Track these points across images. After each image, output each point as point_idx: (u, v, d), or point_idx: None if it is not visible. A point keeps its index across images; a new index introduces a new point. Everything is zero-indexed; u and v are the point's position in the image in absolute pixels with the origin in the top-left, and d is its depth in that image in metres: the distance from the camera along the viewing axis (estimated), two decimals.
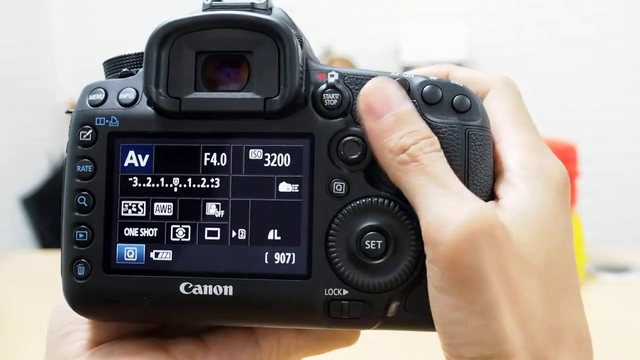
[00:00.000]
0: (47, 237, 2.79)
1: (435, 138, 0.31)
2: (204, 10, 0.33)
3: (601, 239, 1.60)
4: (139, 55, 0.34)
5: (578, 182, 1.28)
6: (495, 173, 0.32)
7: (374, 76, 0.32)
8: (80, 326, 0.34)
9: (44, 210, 2.78)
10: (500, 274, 0.28)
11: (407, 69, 2.16)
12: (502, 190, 0.31)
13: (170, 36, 0.32)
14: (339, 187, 0.32)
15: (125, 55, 0.35)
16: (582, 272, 1.24)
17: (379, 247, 0.31)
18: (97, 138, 0.33)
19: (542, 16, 2.59)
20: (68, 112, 0.34)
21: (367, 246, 0.31)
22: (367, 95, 0.31)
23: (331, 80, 0.32)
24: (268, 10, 0.33)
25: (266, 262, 0.32)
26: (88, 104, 0.33)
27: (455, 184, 0.30)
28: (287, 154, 0.32)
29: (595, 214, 1.72)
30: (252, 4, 0.33)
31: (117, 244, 0.33)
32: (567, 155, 1.27)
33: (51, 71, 2.91)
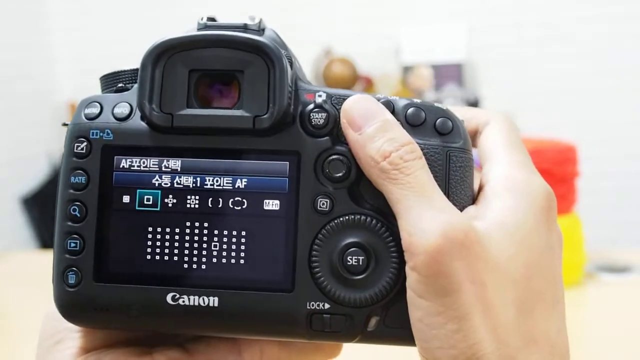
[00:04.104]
0: (47, 237, 2.79)
1: (416, 145, 0.32)
2: (198, 29, 0.34)
3: (601, 239, 1.60)
4: (134, 71, 0.35)
5: (578, 182, 1.29)
6: (482, 184, 0.34)
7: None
8: (71, 334, 0.35)
9: (44, 210, 2.78)
10: (474, 281, 0.30)
11: (407, 69, 2.16)
12: (486, 200, 0.33)
13: (165, 54, 0.33)
14: (323, 204, 0.33)
15: (121, 71, 0.36)
16: (582, 272, 1.24)
17: (361, 263, 0.32)
18: (91, 150, 0.34)
19: (542, 16, 2.59)
20: (64, 124, 0.35)
21: (349, 262, 0.32)
22: (347, 109, 0.33)
23: (319, 100, 0.33)
24: (260, 31, 0.34)
25: (251, 275, 0.33)
26: (84, 117, 0.34)
27: (435, 194, 0.31)
28: (275, 170, 0.33)
29: (595, 214, 1.72)
30: (245, 25, 0.34)
31: (109, 256, 0.34)
32: (567, 155, 1.27)
33: (51, 71, 2.91)
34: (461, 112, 0.37)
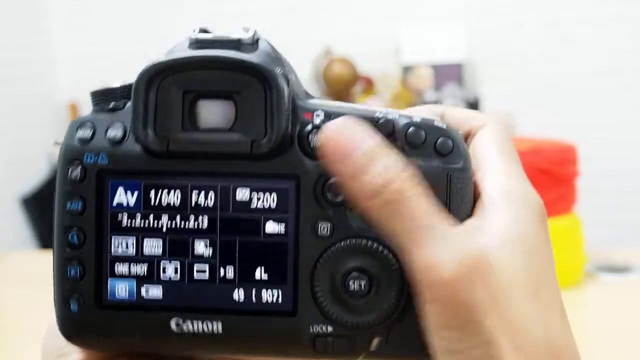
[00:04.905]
0: (47, 237, 2.79)
1: (411, 170, 0.31)
2: (190, 44, 0.33)
3: (601, 239, 1.60)
4: (125, 88, 0.34)
5: (578, 182, 1.29)
6: (476, 196, 0.33)
7: (360, 114, 0.32)
8: (75, 348, 0.35)
9: (44, 211, 2.78)
10: (494, 304, 0.29)
11: (407, 69, 2.16)
12: (485, 211, 0.32)
13: (158, 76, 0.32)
14: (324, 228, 0.32)
15: (112, 89, 0.34)
16: (582, 272, 1.25)
17: (363, 287, 0.32)
18: (87, 175, 0.33)
19: (542, 16, 2.60)
20: (57, 143, 0.34)
21: (351, 287, 0.32)
22: (329, 138, 0.31)
23: (317, 120, 0.32)
24: (255, 44, 0.33)
25: (254, 299, 0.33)
26: (76, 140, 0.33)
27: (438, 223, 0.30)
28: (274, 194, 0.33)
29: (595, 214, 1.72)
30: (239, 40, 0.33)
31: (109, 280, 0.33)
32: (567, 155, 1.27)
33: (51, 71, 2.91)
34: (457, 113, 0.36)
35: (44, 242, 2.78)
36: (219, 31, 0.33)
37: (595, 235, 1.43)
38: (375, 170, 0.30)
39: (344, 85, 2.54)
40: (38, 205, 2.77)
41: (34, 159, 2.78)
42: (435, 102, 2.45)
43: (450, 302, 0.29)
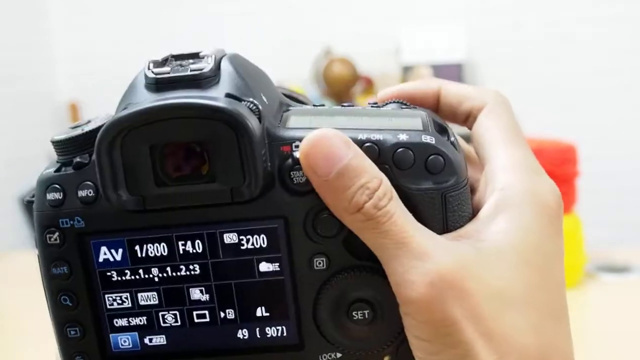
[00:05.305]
0: None
1: (387, 184, 0.30)
2: (147, 85, 0.31)
3: (601, 239, 1.60)
4: (87, 135, 0.32)
5: (578, 182, 1.28)
6: (487, 195, 0.32)
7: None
8: None
9: None
10: (471, 317, 0.29)
11: (407, 69, 2.15)
12: (488, 216, 0.31)
13: (119, 135, 0.30)
14: (319, 263, 0.32)
15: (74, 137, 0.32)
16: (582, 272, 1.24)
17: (366, 316, 0.32)
18: (65, 240, 0.32)
19: (542, 16, 2.59)
20: (29, 202, 0.33)
21: (355, 316, 0.32)
22: (307, 155, 0.30)
23: (297, 154, 0.31)
24: (216, 74, 0.31)
25: (258, 336, 0.33)
26: (48, 205, 0.32)
27: (414, 240, 0.30)
28: (263, 235, 0.32)
29: (595, 214, 1.72)
30: (200, 73, 0.30)
31: (110, 335, 0.33)
32: (567, 155, 1.27)
33: (51, 71, 2.90)
34: (454, 90, 0.35)
35: None
36: (174, 62, 0.31)
37: (595, 235, 1.43)
38: (354, 187, 0.30)
39: (344, 85, 2.54)
40: None
41: (34, 159, 2.77)
42: None
43: (425, 318, 0.29)
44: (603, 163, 2.40)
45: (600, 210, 2.20)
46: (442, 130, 0.33)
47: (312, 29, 2.69)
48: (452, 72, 2.63)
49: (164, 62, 0.31)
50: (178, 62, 0.31)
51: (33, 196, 0.33)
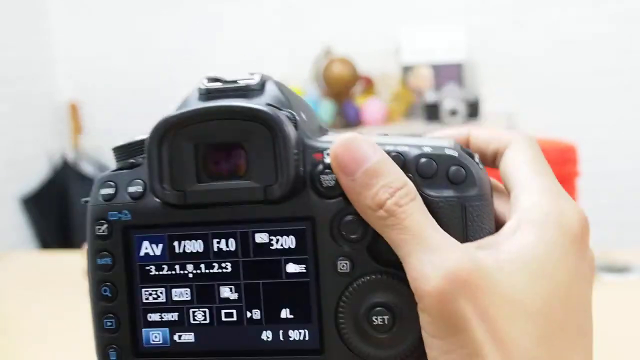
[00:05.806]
0: (47, 237, 2.79)
1: (410, 185, 0.32)
2: (200, 95, 0.34)
3: (601, 239, 1.60)
4: (142, 142, 0.35)
5: (578, 182, 1.28)
6: (510, 214, 0.33)
7: None
8: None
9: (44, 210, 2.78)
10: (483, 316, 0.30)
11: (407, 69, 2.15)
12: (510, 231, 0.32)
13: (169, 132, 0.33)
14: (343, 266, 0.33)
15: (131, 144, 0.36)
16: None
17: (387, 322, 0.32)
18: (113, 231, 0.35)
19: (542, 16, 2.60)
20: (85, 201, 0.36)
21: (375, 322, 0.32)
22: (336, 155, 0.32)
23: (327, 160, 0.33)
24: (261, 88, 0.34)
25: (281, 339, 0.34)
26: (101, 199, 0.35)
27: (432, 237, 0.31)
28: (292, 236, 0.34)
29: (595, 214, 1.72)
30: (247, 85, 0.34)
31: (143, 329, 0.35)
32: (567, 155, 1.27)
33: (51, 71, 2.91)
34: (482, 134, 0.36)
35: (44, 242, 2.78)
36: (227, 78, 0.34)
37: (595, 235, 1.43)
38: (378, 186, 0.31)
39: (344, 85, 2.55)
40: (38, 205, 2.78)
41: (34, 159, 2.78)
42: (435, 104, 2.45)
43: (438, 312, 0.30)
44: (603, 163, 2.41)
45: (600, 210, 2.20)
46: (469, 155, 0.34)
47: (312, 29, 2.70)
48: (452, 72, 2.63)
49: (216, 79, 0.34)
50: (230, 79, 0.34)
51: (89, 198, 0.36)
